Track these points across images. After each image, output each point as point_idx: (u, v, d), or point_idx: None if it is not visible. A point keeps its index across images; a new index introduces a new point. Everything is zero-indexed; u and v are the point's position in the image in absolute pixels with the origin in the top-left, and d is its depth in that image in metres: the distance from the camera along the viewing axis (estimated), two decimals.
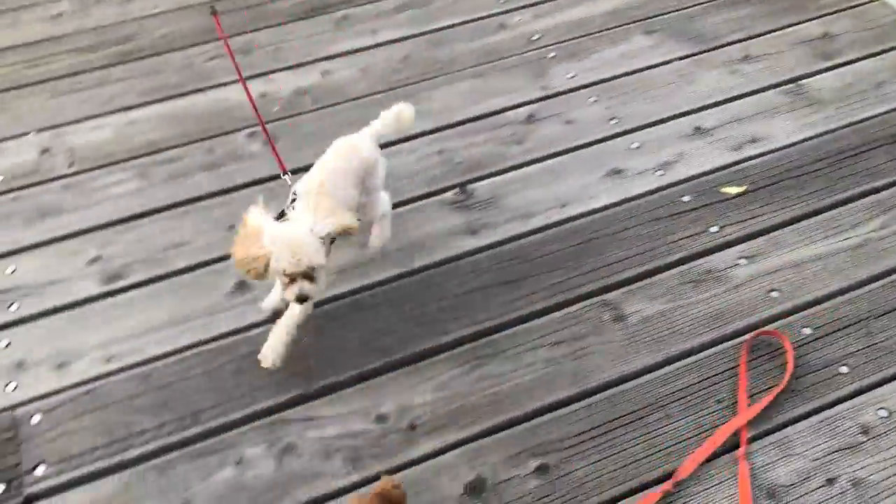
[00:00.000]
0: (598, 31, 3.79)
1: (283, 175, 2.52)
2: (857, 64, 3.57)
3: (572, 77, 3.56)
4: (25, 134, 3.41)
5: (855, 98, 3.39)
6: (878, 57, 3.60)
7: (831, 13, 3.83)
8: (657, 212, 2.97)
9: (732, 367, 2.49)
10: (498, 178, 3.12)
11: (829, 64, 3.57)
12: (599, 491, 2.24)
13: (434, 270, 2.80)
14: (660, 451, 2.31)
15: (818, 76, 3.52)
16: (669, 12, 3.87)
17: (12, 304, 2.74)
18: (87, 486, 2.30)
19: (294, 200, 2.31)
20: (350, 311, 2.69)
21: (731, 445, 2.30)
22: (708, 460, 2.27)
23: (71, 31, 3.97)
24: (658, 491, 2.19)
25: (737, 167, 3.13)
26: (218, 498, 2.26)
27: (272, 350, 2.43)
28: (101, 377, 2.55)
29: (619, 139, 3.27)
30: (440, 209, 3.01)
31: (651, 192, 3.05)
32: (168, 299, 2.74)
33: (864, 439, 2.31)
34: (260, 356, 2.45)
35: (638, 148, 3.22)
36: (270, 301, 2.62)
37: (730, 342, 2.56)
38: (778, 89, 3.46)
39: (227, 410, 2.45)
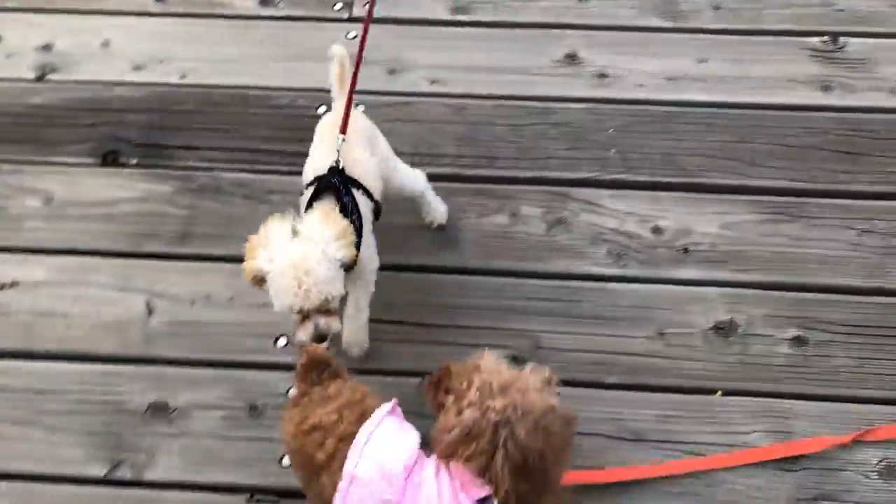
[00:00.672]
0: None
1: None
2: None
3: None
4: None
5: None
6: None
7: None
8: None
9: None
10: (880, 41, 2.76)
11: None
12: (851, 386, 2.12)
13: (771, 112, 2.61)
14: None
15: None
16: None
17: None
18: None
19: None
20: (665, 119, 2.61)
21: None
22: None
23: None
24: None
25: None
26: (483, 235, 2.41)
27: (354, 341, 2.10)
28: (422, 95, 2.71)
29: None
30: (799, 52, 2.74)
31: None
32: (502, 46, 2.80)
33: None
34: (344, 348, 2.10)
35: None
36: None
37: None
38: None
39: (521, 166, 2.54)
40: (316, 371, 1.65)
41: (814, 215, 2.40)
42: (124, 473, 2.05)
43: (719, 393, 2.12)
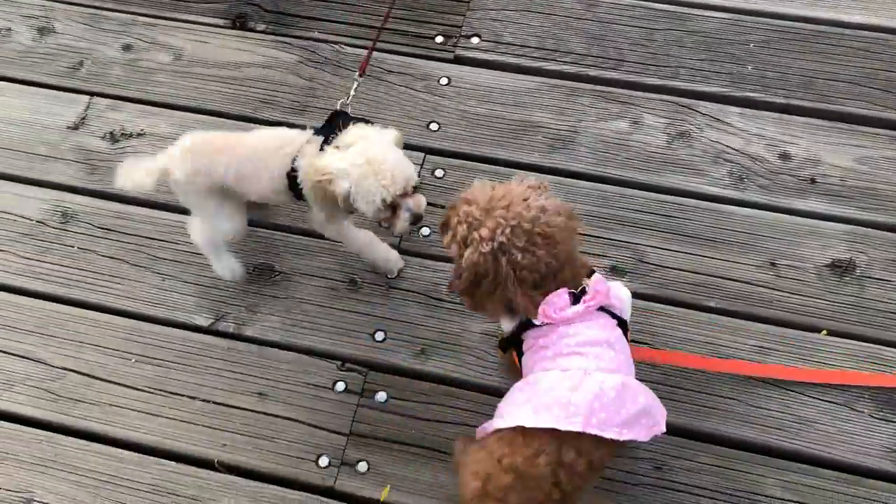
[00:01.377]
0: None
1: (358, 76, 2.04)
2: None
3: None
4: None
5: None
6: None
7: None
8: None
9: None
10: None
11: None
12: None
13: None
14: None
15: None
16: None
17: None
18: (503, 74, 2.47)
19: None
20: (812, 39, 2.43)
21: None
22: None
23: None
24: None
25: None
26: (601, 140, 2.34)
27: (387, 263, 2.12)
28: None
29: None
30: None
31: None
32: None
33: None
34: (384, 272, 2.16)
35: None
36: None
37: None
38: None
39: (648, 73, 2.43)
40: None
41: None
42: (227, 326, 2.15)
43: (824, 332, 2.04)
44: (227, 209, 1.94)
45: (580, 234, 1.61)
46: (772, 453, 1.92)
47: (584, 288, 1.57)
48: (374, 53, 2.51)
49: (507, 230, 1.48)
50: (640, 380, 1.60)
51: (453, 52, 2.51)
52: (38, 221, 2.33)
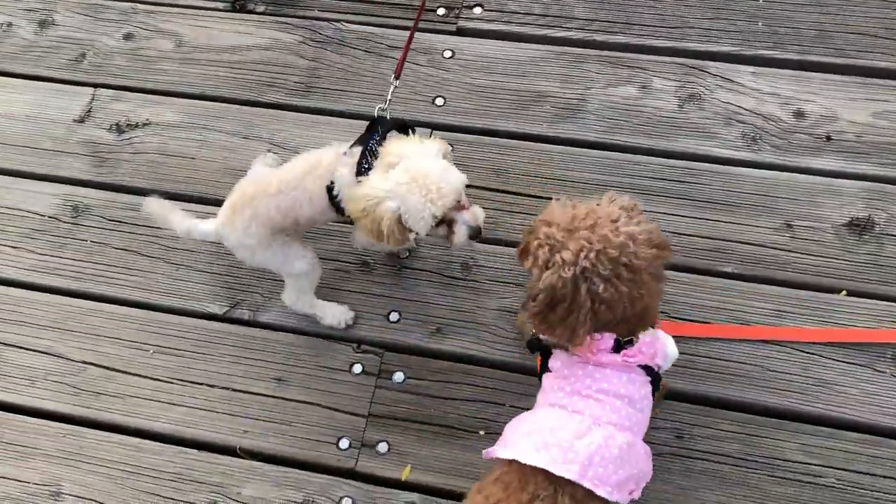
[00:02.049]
0: None
1: (394, 80, 1.94)
2: None
3: None
4: None
5: None
6: None
7: None
8: None
9: None
10: None
11: None
12: None
13: None
14: None
15: None
16: None
17: None
18: (507, 44, 2.42)
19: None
20: None
21: None
22: None
23: None
24: None
25: None
26: (610, 107, 2.30)
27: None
28: None
29: None
30: None
31: None
32: None
33: None
34: (398, 252, 2.14)
35: None
36: None
37: None
38: None
39: (657, 35, 2.38)
40: None
41: None
42: (242, 313, 2.16)
43: (844, 293, 2.01)
44: (294, 248, 1.90)
45: (663, 276, 1.45)
46: (793, 418, 1.91)
47: (633, 339, 1.48)
48: (375, 30, 2.48)
49: (592, 255, 1.35)
50: None
51: (455, 23, 2.47)
52: (50, 217, 2.34)
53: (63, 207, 2.35)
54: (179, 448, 2.03)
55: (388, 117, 1.85)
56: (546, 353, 1.61)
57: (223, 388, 2.08)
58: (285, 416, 2.03)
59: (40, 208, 2.36)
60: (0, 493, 2.03)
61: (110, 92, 2.51)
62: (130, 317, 2.19)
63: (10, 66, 2.59)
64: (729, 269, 2.07)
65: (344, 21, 2.51)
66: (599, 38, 2.39)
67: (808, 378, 1.93)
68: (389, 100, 1.89)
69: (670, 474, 1.87)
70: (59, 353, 2.17)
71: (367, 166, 1.71)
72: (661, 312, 1.96)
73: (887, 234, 2.05)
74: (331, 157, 1.79)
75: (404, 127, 1.82)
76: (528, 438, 1.46)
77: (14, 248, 2.31)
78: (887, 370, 1.91)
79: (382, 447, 1.97)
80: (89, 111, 2.48)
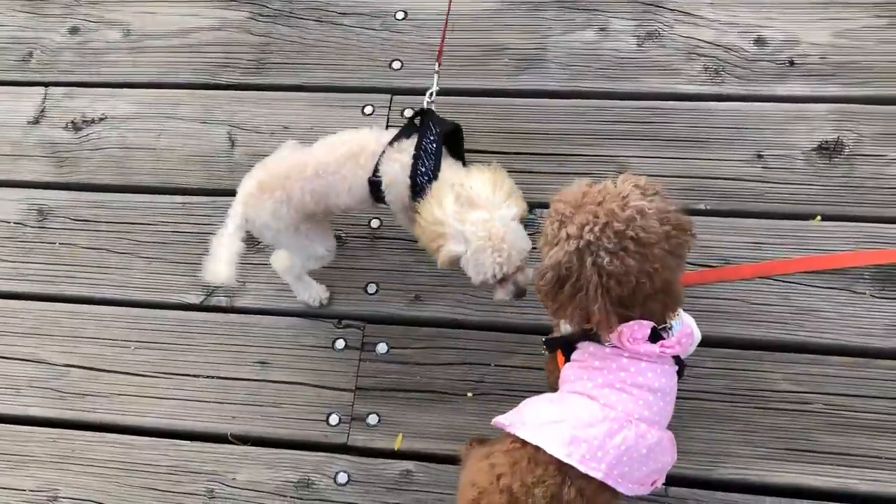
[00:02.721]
0: None
1: (437, 66, 1.90)
2: None
3: None
4: None
5: None
6: None
7: None
8: None
9: None
10: None
11: None
12: None
13: None
14: None
15: None
16: None
17: None
18: None
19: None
20: None
21: None
22: None
23: None
24: None
25: None
26: (570, 54, 2.26)
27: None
28: None
29: None
30: None
31: None
32: None
33: None
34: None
35: None
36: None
37: None
38: None
39: None
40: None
41: None
42: (219, 300, 2.14)
43: (818, 218, 2.00)
44: (318, 234, 1.86)
45: (684, 254, 1.40)
46: (776, 348, 1.91)
47: (667, 326, 1.43)
48: None
49: (597, 228, 1.31)
50: None
51: None
52: (15, 223, 2.31)
53: (28, 212, 2.32)
54: (171, 441, 2.03)
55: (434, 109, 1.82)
56: (568, 350, 1.55)
57: (208, 376, 2.07)
58: (273, 399, 2.03)
59: (4, 215, 2.32)
60: None
61: (62, 89, 2.46)
62: (108, 315, 2.17)
63: None
64: (703, 206, 2.05)
65: None
66: None
67: (788, 307, 1.93)
68: (435, 90, 1.84)
69: None
70: (41, 359, 2.15)
71: (423, 169, 1.69)
72: None
73: (857, 155, 2.04)
74: (373, 145, 1.74)
75: (457, 130, 1.78)
76: (556, 428, 1.40)
77: None
78: (866, 291, 1.91)
79: (372, 419, 1.97)
80: (43, 111, 2.44)
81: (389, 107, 2.26)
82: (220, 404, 2.04)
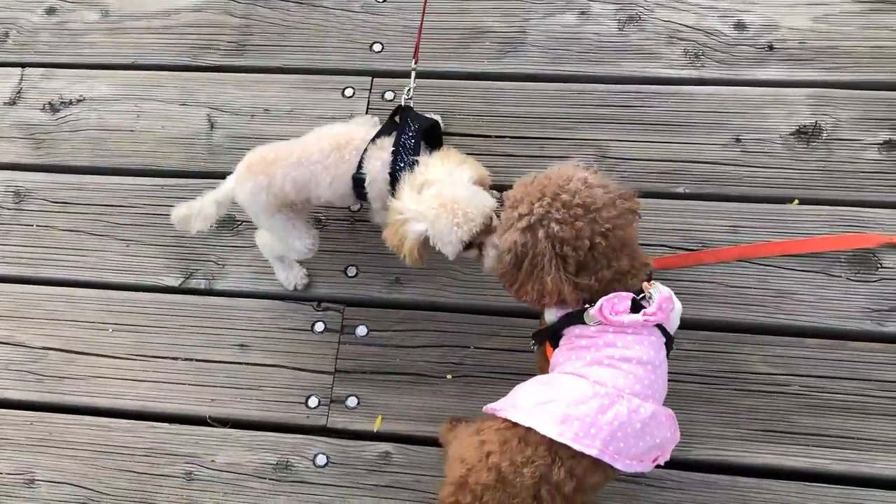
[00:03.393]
0: None
1: (414, 63, 1.92)
2: None
3: None
4: None
5: None
6: None
7: None
8: None
9: None
10: None
11: None
12: None
13: None
14: None
15: None
16: None
17: None
18: None
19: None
20: None
21: None
22: None
23: None
24: None
25: None
26: (551, 37, 2.26)
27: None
28: None
29: None
30: None
31: None
32: None
33: None
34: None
35: None
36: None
37: None
38: None
39: None
40: None
41: None
42: (198, 283, 2.13)
43: (796, 202, 2.01)
44: (298, 227, 1.86)
45: (636, 214, 1.47)
46: (754, 330, 1.92)
47: (647, 295, 1.45)
48: None
49: (545, 201, 1.39)
50: None
51: None
52: None
53: (4, 194, 2.30)
54: (149, 423, 2.02)
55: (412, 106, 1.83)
56: (556, 341, 1.56)
57: (186, 359, 2.06)
58: (252, 381, 2.02)
59: None
60: None
61: (39, 70, 2.44)
62: (86, 298, 2.16)
63: None
64: (681, 190, 2.06)
65: None
66: None
67: (766, 290, 1.94)
68: (413, 87, 1.85)
69: None
70: (19, 342, 2.14)
71: (402, 165, 1.70)
72: None
73: (834, 139, 2.05)
74: (358, 140, 1.75)
75: (435, 126, 1.79)
76: (547, 408, 1.41)
77: None
78: (842, 274, 1.93)
79: (352, 401, 1.97)
80: (19, 92, 2.41)
81: (370, 89, 2.25)
82: (198, 387, 2.04)
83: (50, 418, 2.05)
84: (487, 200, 1.62)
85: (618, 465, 1.40)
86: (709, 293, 1.95)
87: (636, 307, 1.43)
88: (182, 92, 2.34)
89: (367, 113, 2.18)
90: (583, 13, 2.27)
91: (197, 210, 1.80)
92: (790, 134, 2.07)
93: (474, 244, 1.63)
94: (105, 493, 1.96)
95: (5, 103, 2.40)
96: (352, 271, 2.09)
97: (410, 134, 1.73)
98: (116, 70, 2.40)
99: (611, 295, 1.42)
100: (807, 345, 1.89)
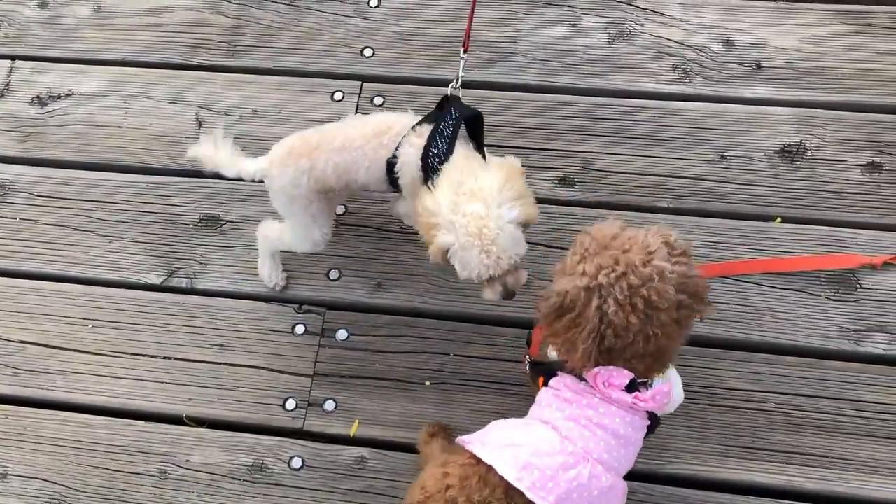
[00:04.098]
0: None
1: (463, 52, 1.85)
2: None
3: None
4: None
5: None
6: None
7: None
8: None
9: None
10: None
11: None
12: None
13: None
14: None
15: None
16: None
17: None
18: None
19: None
20: None
21: None
22: None
23: None
24: None
25: None
26: (541, 48, 2.27)
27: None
28: None
29: None
30: None
31: None
32: None
33: None
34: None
35: None
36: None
37: None
38: None
39: None
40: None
41: None
42: (180, 281, 2.13)
43: (778, 220, 2.02)
44: (324, 216, 1.83)
45: (690, 325, 1.38)
46: (733, 347, 1.93)
47: (647, 381, 1.42)
48: None
49: (612, 275, 1.29)
50: None
51: None
52: None
53: None
54: (125, 421, 2.01)
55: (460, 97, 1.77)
56: (549, 374, 1.54)
57: (165, 357, 2.06)
58: (230, 382, 2.02)
59: None
60: None
61: (29, 63, 2.43)
62: (67, 293, 2.15)
63: None
64: (665, 204, 2.07)
65: None
66: None
67: (745, 306, 1.95)
68: (461, 76, 1.80)
69: None
70: None
71: (436, 151, 1.65)
72: None
73: (819, 159, 2.06)
74: (399, 126, 1.71)
75: (478, 117, 1.73)
76: (513, 451, 1.40)
77: None
78: (821, 293, 1.94)
79: (329, 405, 1.97)
80: (8, 85, 2.40)
81: (360, 94, 2.25)
82: (176, 385, 2.03)
83: (25, 413, 2.04)
84: (520, 249, 1.58)
85: None
86: None
87: (632, 386, 1.41)
88: (171, 90, 2.34)
89: None
90: (573, 25, 2.28)
91: (216, 157, 1.78)
92: (775, 152, 2.08)
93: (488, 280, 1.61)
94: (78, 490, 1.95)
95: None
96: (334, 274, 2.09)
97: (450, 122, 1.67)
98: (106, 66, 2.40)
99: (612, 368, 1.39)
100: (784, 362, 1.90)
